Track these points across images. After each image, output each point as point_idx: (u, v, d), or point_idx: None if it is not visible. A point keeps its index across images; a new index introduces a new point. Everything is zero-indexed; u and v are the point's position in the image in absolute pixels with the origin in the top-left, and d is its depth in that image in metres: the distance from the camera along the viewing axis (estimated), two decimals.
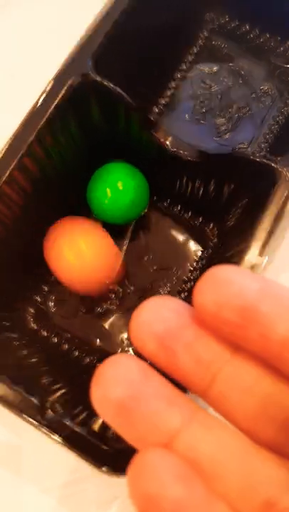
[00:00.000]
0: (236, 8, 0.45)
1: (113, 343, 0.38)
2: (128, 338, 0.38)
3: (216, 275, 0.13)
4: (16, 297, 0.38)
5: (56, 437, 0.26)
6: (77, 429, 0.26)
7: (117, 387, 0.14)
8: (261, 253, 0.29)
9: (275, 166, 0.30)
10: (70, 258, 0.35)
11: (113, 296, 0.39)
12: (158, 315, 0.14)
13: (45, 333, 0.38)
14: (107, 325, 0.38)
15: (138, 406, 0.14)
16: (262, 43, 0.45)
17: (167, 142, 0.34)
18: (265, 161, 0.30)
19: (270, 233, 0.29)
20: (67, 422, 0.26)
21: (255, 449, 0.14)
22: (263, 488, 0.13)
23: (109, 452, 0.26)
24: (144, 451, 0.13)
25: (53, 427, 0.26)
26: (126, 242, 0.41)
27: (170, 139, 0.34)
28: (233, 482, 0.13)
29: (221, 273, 0.13)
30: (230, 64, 0.45)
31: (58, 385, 0.32)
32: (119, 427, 0.14)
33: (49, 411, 0.27)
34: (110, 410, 0.14)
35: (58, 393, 0.30)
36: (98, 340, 0.38)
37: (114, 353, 0.38)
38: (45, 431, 0.26)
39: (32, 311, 0.39)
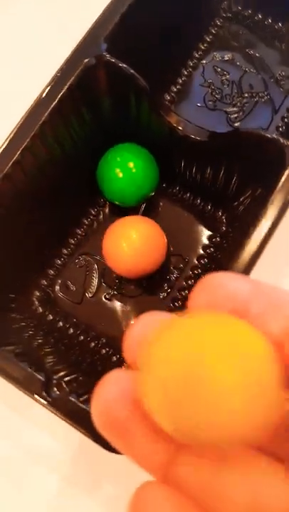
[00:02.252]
0: None
1: (119, 329, 0.38)
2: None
3: (210, 281, 0.14)
4: (23, 280, 0.38)
5: (61, 414, 0.25)
6: (83, 406, 0.26)
7: (112, 408, 0.14)
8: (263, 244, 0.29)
9: (286, 142, 0.30)
10: (123, 247, 0.35)
11: (117, 281, 0.39)
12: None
13: (51, 317, 0.38)
14: (112, 311, 0.38)
15: (132, 431, 0.14)
16: (275, 31, 0.45)
17: (177, 125, 0.34)
18: (275, 136, 0.30)
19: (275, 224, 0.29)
20: (73, 399, 0.26)
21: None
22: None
23: None
24: (142, 487, 0.13)
25: (58, 404, 0.26)
26: None
27: (180, 122, 0.34)
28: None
29: (214, 279, 0.14)
30: (247, 50, 0.45)
31: (62, 366, 0.32)
32: (116, 444, 0.14)
33: (54, 388, 0.27)
34: (107, 428, 0.14)
35: (62, 373, 0.30)
36: (103, 325, 0.38)
37: (119, 338, 0.37)
38: (50, 408, 0.26)
39: (38, 294, 0.39)
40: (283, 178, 0.29)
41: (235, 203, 0.37)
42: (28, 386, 0.27)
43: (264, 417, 0.12)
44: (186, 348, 0.12)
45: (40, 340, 0.35)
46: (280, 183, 0.29)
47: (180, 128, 0.34)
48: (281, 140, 0.30)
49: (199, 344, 0.12)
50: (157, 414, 0.12)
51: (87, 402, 0.27)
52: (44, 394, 0.26)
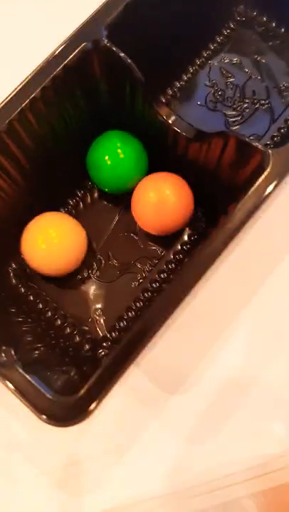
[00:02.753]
0: (266, 4, 0.45)
1: (86, 311, 0.38)
2: (102, 309, 0.38)
3: None
4: (1, 250, 0.39)
5: (2, 378, 0.26)
6: (28, 376, 0.27)
7: None
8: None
9: (261, 147, 0.30)
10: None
11: (95, 265, 0.40)
12: None
13: (23, 290, 0.39)
14: (84, 292, 0.39)
15: None
16: (286, 41, 0.45)
17: (167, 118, 0.34)
18: (257, 144, 0.31)
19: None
20: (19, 369, 0.27)
21: None
22: None
23: (52, 402, 0.26)
24: None
25: (3, 371, 0.27)
26: (120, 212, 0.41)
27: (171, 116, 0.34)
28: None
29: None
30: (255, 56, 0.45)
31: (23, 336, 0.33)
32: None
33: (2, 355, 0.27)
34: None
35: (21, 342, 0.31)
36: (73, 306, 0.39)
37: (86, 319, 0.38)
38: None
39: (14, 266, 0.39)
40: (257, 184, 0.30)
41: (217, 202, 0.38)
42: None
43: None
44: None
45: (10, 310, 0.36)
46: (254, 188, 0.30)
47: (169, 121, 0.34)
48: (261, 147, 0.30)
49: None
50: None
51: (34, 372, 0.27)
52: None
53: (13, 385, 0.26)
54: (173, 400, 0.37)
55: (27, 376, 0.27)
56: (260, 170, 0.30)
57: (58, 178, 0.39)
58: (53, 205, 0.40)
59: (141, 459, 0.36)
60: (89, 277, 0.40)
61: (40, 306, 0.38)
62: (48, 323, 0.37)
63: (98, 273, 0.40)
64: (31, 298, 0.39)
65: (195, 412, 0.37)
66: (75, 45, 0.32)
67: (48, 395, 0.26)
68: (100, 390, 0.26)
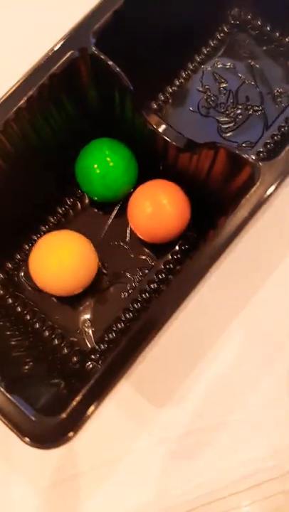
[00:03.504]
0: (261, 7, 0.44)
1: (75, 323, 0.38)
2: (90, 320, 0.38)
3: None
4: None
5: None
6: (10, 396, 0.26)
7: None
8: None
9: (252, 160, 0.29)
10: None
11: None
12: None
13: (10, 301, 0.38)
14: (72, 304, 0.38)
15: None
16: (281, 46, 0.44)
17: (157, 127, 0.33)
18: (247, 156, 0.30)
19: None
20: (2, 389, 0.27)
21: None
22: None
23: (36, 424, 0.26)
24: None
25: None
26: (109, 222, 0.41)
27: (161, 125, 0.34)
28: None
29: None
30: (249, 61, 0.44)
31: (11, 351, 0.32)
32: None
33: None
34: None
35: (8, 358, 0.31)
36: (61, 316, 0.38)
37: (74, 331, 0.38)
38: None
39: (1, 276, 0.39)
40: (246, 197, 0.29)
41: (207, 215, 0.37)
42: None
43: None
44: None
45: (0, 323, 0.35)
46: (243, 201, 0.29)
47: (159, 130, 0.34)
48: (251, 159, 0.30)
49: None
50: None
51: (17, 391, 0.27)
52: None
53: None
54: (162, 413, 0.36)
55: (10, 397, 0.26)
56: (250, 182, 0.30)
57: (46, 186, 0.38)
58: (42, 213, 0.40)
59: (130, 473, 0.35)
60: None
61: (28, 317, 0.38)
62: (35, 336, 0.37)
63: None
64: (19, 309, 0.38)
65: (184, 426, 0.36)
66: (62, 53, 0.32)
67: (32, 416, 0.26)
68: (84, 410, 0.26)
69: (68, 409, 0.26)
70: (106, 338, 0.37)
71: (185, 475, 0.36)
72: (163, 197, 0.36)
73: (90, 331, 0.38)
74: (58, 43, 0.32)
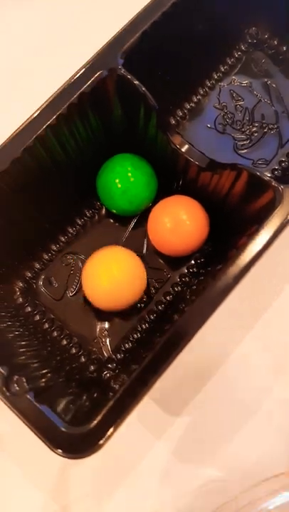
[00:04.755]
0: (278, 27, 0.45)
1: (92, 332, 0.39)
2: (107, 329, 0.39)
3: None
4: (8, 268, 0.39)
5: (16, 411, 0.27)
6: (41, 408, 0.27)
7: None
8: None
9: (274, 183, 0.31)
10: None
11: None
12: None
13: (29, 309, 0.39)
14: (89, 313, 0.39)
15: None
16: None
17: (180, 147, 0.35)
18: (270, 179, 0.31)
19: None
20: (31, 398, 0.27)
21: None
22: None
23: (66, 434, 0.27)
24: None
25: (15, 400, 0.27)
26: (126, 234, 0.41)
27: (184, 144, 0.35)
28: None
29: None
30: (265, 79, 0.45)
31: (30, 361, 0.33)
32: None
33: (15, 385, 0.28)
34: None
35: (29, 369, 0.32)
36: (79, 326, 0.39)
37: (91, 339, 0.39)
38: (6, 403, 0.27)
39: (21, 285, 0.40)
40: (268, 220, 0.30)
41: (223, 231, 0.38)
42: None
43: None
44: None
45: (16, 332, 0.36)
46: (265, 224, 0.30)
47: (182, 150, 0.35)
48: (274, 183, 0.31)
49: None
50: None
51: (45, 401, 0.28)
52: (4, 389, 0.27)
53: (27, 419, 0.26)
54: (176, 421, 0.37)
55: (40, 407, 0.27)
56: (271, 205, 0.31)
57: (68, 199, 0.39)
58: (62, 224, 0.40)
59: (146, 480, 0.37)
60: None
61: (47, 325, 0.39)
62: (53, 345, 0.38)
63: None
64: (38, 317, 0.39)
65: (196, 434, 0.37)
66: (91, 73, 0.33)
67: (61, 427, 0.27)
68: (112, 422, 0.27)
69: (94, 422, 0.27)
70: (122, 348, 0.38)
71: (198, 480, 0.37)
72: (183, 213, 0.37)
73: (107, 340, 0.39)
74: (88, 62, 0.33)
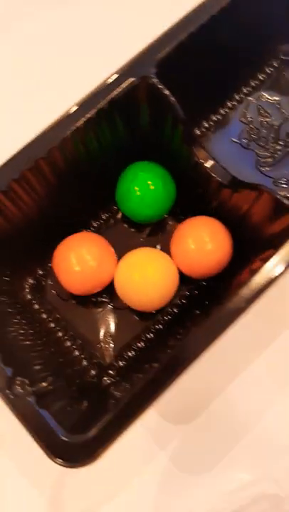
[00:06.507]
0: None
1: (96, 335, 0.39)
2: (111, 335, 0.39)
3: None
4: (21, 264, 0.39)
5: (17, 413, 0.27)
6: (42, 413, 0.27)
7: None
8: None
9: None
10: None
11: (111, 289, 0.40)
12: None
13: (37, 306, 0.39)
14: (96, 316, 0.39)
15: None
16: None
17: (204, 162, 0.34)
18: (287, 202, 0.31)
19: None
20: (32, 402, 0.27)
21: None
22: None
23: (65, 442, 0.27)
24: None
25: (17, 403, 0.27)
26: (139, 241, 0.41)
27: (208, 159, 0.34)
28: None
29: None
30: None
31: (33, 362, 0.33)
32: None
33: (18, 387, 0.28)
34: None
35: (32, 371, 0.32)
36: (83, 328, 0.39)
37: (94, 344, 0.39)
38: (9, 405, 0.27)
39: (31, 281, 0.40)
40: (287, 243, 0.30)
41: (237, 254, 0.38)
42: None
43: None
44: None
45: (21, 331, 0.36)
46: (284, 247, 0.30)
47: (206, 165, 0.35)
48: None
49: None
50: None
51: (45, 406, 0.28)
52: (7, 391, 0.27)
53: (27, 424, 0.26)
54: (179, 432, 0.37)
55: (40, 412, 0.27)
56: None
57: (86, 201, 0.39)
58: (77, 225, 0.40)
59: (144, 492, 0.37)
60: (103, 301, 0.40)
61: (52, 325, 0.39)
62: (56, 346, 0.38)
63: (113, 297, 0.40)
64: (44, 316, 0.39)
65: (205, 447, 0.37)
66: (123, 80, 0.32)
67: (61, 435, 0.27)
68: (112, 433, 0.27)
69: (93, 431, 0.27)
70: (125, 356, 0.38)
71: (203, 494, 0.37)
72: (208, 239, 0.37)
73: (110, 346, 0.39)
74: (120, 69, 0.33)
